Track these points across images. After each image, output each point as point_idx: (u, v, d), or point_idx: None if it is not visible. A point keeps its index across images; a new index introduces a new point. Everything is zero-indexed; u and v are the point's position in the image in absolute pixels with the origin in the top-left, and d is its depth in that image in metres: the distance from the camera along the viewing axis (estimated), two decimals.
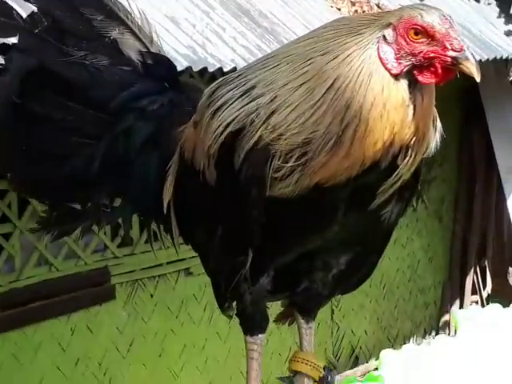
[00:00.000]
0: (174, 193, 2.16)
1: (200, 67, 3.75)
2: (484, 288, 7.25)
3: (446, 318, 7.16)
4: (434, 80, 1.92)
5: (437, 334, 7.12)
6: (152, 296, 4.78)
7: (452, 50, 1.90)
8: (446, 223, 7.09)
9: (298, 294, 2.25)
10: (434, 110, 1.99)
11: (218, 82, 2.04)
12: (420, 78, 1.92)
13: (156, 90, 2.25)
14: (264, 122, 1.92)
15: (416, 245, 6.80)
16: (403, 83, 1.91)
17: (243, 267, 2.04)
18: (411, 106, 1.90)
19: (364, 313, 6.33)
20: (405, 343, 6.72)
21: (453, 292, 7.15)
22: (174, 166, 2.15)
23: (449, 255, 7.17)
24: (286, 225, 2.02)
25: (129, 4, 2.29)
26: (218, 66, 3.82)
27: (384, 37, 1.93)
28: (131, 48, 2.26)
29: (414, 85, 1.92)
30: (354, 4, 5.03)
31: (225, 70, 3.84)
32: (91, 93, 2.21)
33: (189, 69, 3.70)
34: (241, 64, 3.92)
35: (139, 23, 2.29)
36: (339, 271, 2.22)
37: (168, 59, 2.33)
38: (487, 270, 7.23)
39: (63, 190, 2.28)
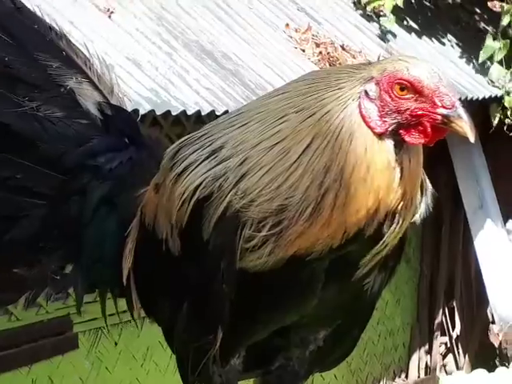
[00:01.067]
0: (134, 261, 1.94)
1: (163, 110, 3.69)
2: (453, 329, 7.21)
3: (414, 360, 7.11)
4: (422, 140, 1.73)
5: (406, 376, 7.06)
6: (116, 344, 4.67)
7: (442, 107, 1.70)
8: (412, 264, 7.06)
9: (272, 373, 2.04)
10: (422, 171, 1.81)
11: (181, 141, 1.86)
12: (407, 137, 1.73)
13: (115, 146, 2.04)
14: (233, 187, 1.73)
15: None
16: (388, 143, 1.72)
17: (212, 347, 1.82)
18: (397, 169, 1.72)
19: None
20: None
21: (422, 333, 7.11)
22: (134, 232, 1.93)
23: (416, 296, 7.12)
24: (259, 300, 1.82)
25: (88, 49, 2.14)
26: (182, 108, 3.76)
27: (366, 92, 1.73)
28: (89, 99, 2.06)
29: (400, 145, 1.73)
30: (318, 45, 5.02)
31: (188, 112, 3.78)
32: (43, 148, 1.99)
33: (152, 112, 3.64)
34: (205, 107, 3.86)
35: (99, 71, 2.10)
36: (318, 347, 2.01)
37: (129, 112, 2.14)
38: (455, 310, 7.19)
39: (7, 254, 2.02)
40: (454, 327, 7.20)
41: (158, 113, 3.67)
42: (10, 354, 4.13)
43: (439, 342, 7.16)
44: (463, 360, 7.18)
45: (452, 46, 6.34)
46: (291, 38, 4.97)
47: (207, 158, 1.77)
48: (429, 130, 1.73)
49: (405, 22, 5.99)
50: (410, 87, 1.72)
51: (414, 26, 6.11)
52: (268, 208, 1.72)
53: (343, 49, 5.15)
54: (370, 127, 1.72)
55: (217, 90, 4.07)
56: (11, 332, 4.14)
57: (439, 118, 1.71)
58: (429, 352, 7.14)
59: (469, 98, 5.71)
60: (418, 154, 1.76)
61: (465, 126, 1.69)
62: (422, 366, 7.11)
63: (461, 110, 1.70)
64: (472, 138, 1.69)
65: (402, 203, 1.73)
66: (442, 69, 5.54)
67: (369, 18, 5.77)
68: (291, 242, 1.72)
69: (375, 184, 1.70)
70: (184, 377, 1.93)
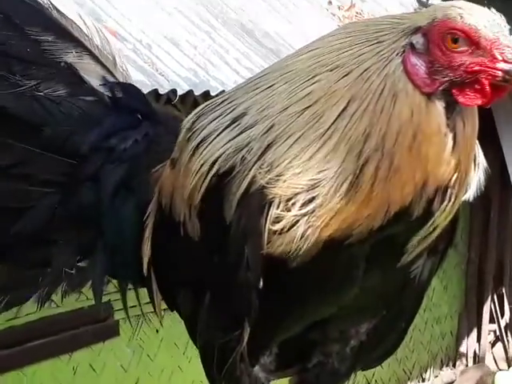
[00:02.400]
0: (153, 249, 1.74)
1: (202, 90, 3.58)
2: (502, 317, 7.04)
3: (463, 348, 6.96)
4: (479, 101, 1.52)
5: (454, 365, 6.92)
6: (158, 331, 4.59)
7: (504, 61, 1.49)
8: (460, 250, 6.90)
9: (309, 371, 1.83)
10: (476, 140, 1.60)
11: (200, 108, 1.65)
12: (461, 98, 1.52)
13: (127, 123, 1.84)
14: (258, 159, 1.52)
15: None
16: (438, 105, 1.51)
17: (239, 344, 1.63)
18: (449, 136, 1.51)
19: None
20: (421, 375, 6.53)
21: (470, 321, 6.95)
22: (152, 215, 1.74)
23: (464, 283, 6.96)
24: (290, 291, 1.61)
25: (85, 23, 1.91)
26: (221, 88, 3.64)
27: (412, 45, 1.52)
28: (93, 74, 1.85)
29: (452, 107, 1.52)
30: None
31: None
32: (47, 131, 1.79)
33: (191, 92, 3.53)
34: None
35: (99, 44, 1.89)
36: (360, 342, 1.81)
37: (136, 87, 1.92)
38: (505, 297, 7.02)
39: (18, 250, 1.84)
40: (503, 315, 7.03)
41: (197, 93, 3.56)
42: (51, 341, 4.07)
43: (488, 329, 6.99)
44: None
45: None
46: (334, 15, 4.84)
47: (228, 126, 1.56)
48: (487, 88, 1.51)
49: None
50: (465, 38, 1.50)
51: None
52: (298, 183, 1.51)
53: None
54: (417, 86, 1.51)
55: (257, 70, 3.94)
56: (51, 319, 4.08)
57: (499, 74, 1.50)
58: (477, 340, 6.98)
59: None
60: (473, 118, 1.56)
61: None
62: (471, 354, 6.95)
63: None
64: None
65: (454, 177, 1.53)
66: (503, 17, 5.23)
67: None
68: (326, 222, 1.50)
69: (423, 153, 1.50)
70: (209, 376, 1.75)
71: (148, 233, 1.72)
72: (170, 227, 1.65)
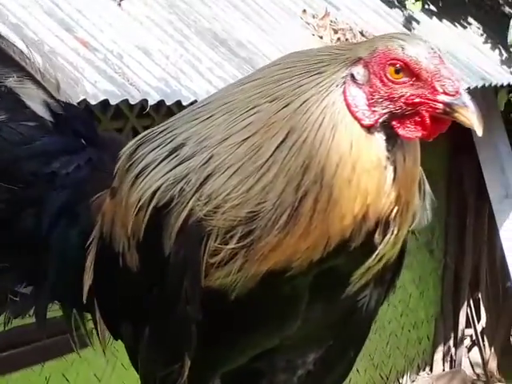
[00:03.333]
0: (95, 277, 1.71)
1: (174, 100, 3.57)
2: (478, 321, 7.06)
3: (439, 352, 6.98)
4: (419, 133, 1.49)
5: (431, 369, 6.93)
6: None
7: (444, 93, 1.47)
8: (436, 255, 6.92)
9: None
10: (421, 170, 1.59)
11: (139, 137, 1.62)
12: (401, 130, 1.49)
13: (70, 148, 1.81)
14: (196, 191, 1.49)
15: (407, 278, 6.61)
16: (378, 138, 1.49)
17: (180, 377, 1.59)
18: (390, 168, 1.49)
19: None
20: (398, 380, 6.54)
21: (446, 326, 6.98)
22: (95, 244, 1.70)
23: (441, 288, 6.98)
24: (231, 323, 1.58)
25: (27, 46, 1.88)
26: (193, 98, 3.64)
27: (352, 76, 1.49)
28: (34, 98, 1.82)
29: (393, 140, 1.50)
30: (336, 32, 4.87)
31: None
32: None
33: (162, 102, 3.53)
34: None
35: (41, 67, 1.86)
36: (308, 371, 1.77)
37: (82, 110, 1.94)
38: (481, 302, 7.05)
39: None
40: (479, 319, 7.06)
41: (168, 103, 3.55)
42: (23, 352, 4.04)
43: (464, 334, 7.02)
44: (489, 353, 7.03)
45: (474, 31, 6.16)
46: (308, 24, 4.83)
47: (167, 157, 1.54)
48: (427, 120, 1.49)
49: (425, 6, 5.83)
50: (406, 69, 1.47)
51: (435, 9, 5.94)
52: (236, 215, 1.48)
53: (362, 35, 5.00)
54: (356, 118, 1.48)
55: (230, 79, 3.94)
56: (23, 329, 4.04)
57: (440, 106, 1.48)
58: (454, 345, 7.00)
59: (493, 85, 5.54)
60: (414, 151, 1.53)
61: (471, 116, 1.47)
62: (447, 359, 6.97)
63: (466, 98, 1.47)
64: (480, 131, 1.49)
65: (395, 209, 1.50)
66: (464, 53, 5.28)
67: (390, 4, 5.61)
68: (264, 255, 1.47)
69: (362, 186, 1.47)
70: None
71: (90, 261, 1.69)
72: (109, 257, 1.63)
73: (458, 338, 6.98)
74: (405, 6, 5.56)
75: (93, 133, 1.86)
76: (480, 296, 7.04)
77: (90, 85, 3.43)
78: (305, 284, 1.56)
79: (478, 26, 6.17)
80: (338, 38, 4.82)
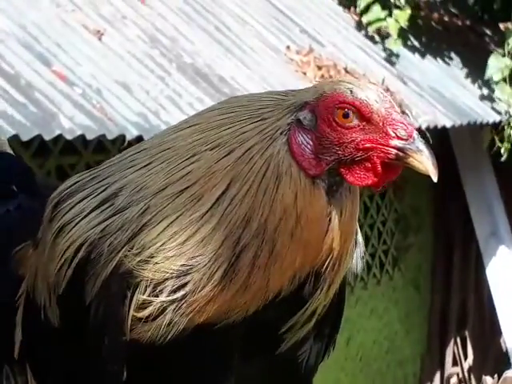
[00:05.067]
0: (25, 332, 1.58)
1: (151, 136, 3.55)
2: (465, 359, 7.00)
3: None
4: (369, 180, 1.41)
5: None
6: None
7: (397, 137, 1.39)
8: (423, 293, 6.87)
9: None
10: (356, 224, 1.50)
11: (66, 185, 1.52)
12: (350, 177, 1.41)
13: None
14: (128, 241, 1.40)
15: (393, 315, 6.57)
16: (321, 188, 1.41)
17: None
18: (328, 218, 1.41)
19: None
20: None
21: (433, 364, 6.91)
22: (23, 297, 1.58)
23: (427, 326, 6.93)
24: (159, 379, 1.49)
25: None
26: None
27: (299, 122, 1.41)
28: None
29: (333, 189, 1.42)
30: (320, 68, 4.87)
31: None
32: None
33: (140, 139, 3.50)
34: None
35: None
36: None
37: (16, 157, 1.81)
38: (468, 340, 6.99)
39: None
40: (466, 357, 6.99)
41: (146, 138, 3.53)
42: None
43: (451, 372, 6.95)
44: None
45: (458, 66, 6.17)
46: (292, 60, 4.83)
47: (97, 207, 1.43)
48: (378, 167, 1.41)
49: (409, 42, 5.84)
50: (356, 112, 1.40)
51: (418, 45, 5.95)
52: (169, 268, 1.38)
53: (346, 71, 5.00)
54: (302, 168, 1.40)
55: None
56: None
57: (392, 151, 1.40)
58: (441, 383, 6.94)
59: (478, 122, 5.54)
60: (353, 204, 1.45)
61: (425, 161, 1.39)
62: None
63: (420, 142, 1.39)
64: (435, 177, 1.40)
65: (328, 262, 1.43)
66: (449, 90, 5.26)
67: (373, 40, 5.63)
68: (196, 310, 1.39)
69: (304, 239, 1.39)
70: None
71: (19, 315, 1.58)
72: (33, 312, 1.53)
73: (445, 376, 6.91)
74: (384, 43, 5.57)
75: (25, 179, 1.76)
76: (467, 334, 6.99)
77: (67, 119, 3.41)
78: (236, 337, 1.48)
79: (461, 61, 6.18)
80: (322, 75, 4.82)
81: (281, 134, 1.41)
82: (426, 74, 5.71)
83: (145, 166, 1.43)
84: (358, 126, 1.40)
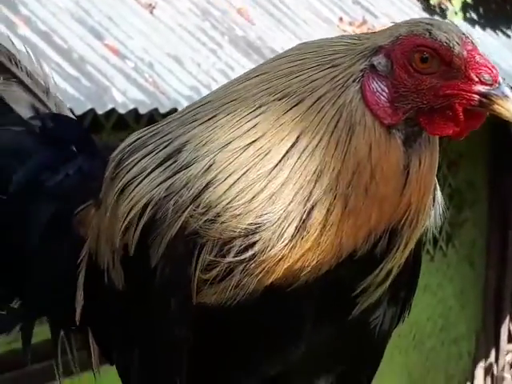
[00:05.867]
0: (86, 296, 1.54)
1: None
2: None
3: (479, 369, 6.82)
4: (451, 130, 1.31)
5: None
6: None
7: (480, 82, 1.28)
8: (478, 269, 6.77)
9: None
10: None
11: (128, 142, 1.45)
12: (429, 127, 1.31)
13: (59, 156, 1.65)
14: (193, 200, 1.32)
15: (447, 291, 6.49)
16: (398, 138, 1.32)
17: None
18: (406, 171, 1.32)
19: (393, 366, 6.01)
20: None
21: (488, 341, 6.82)
22: (85, 260, 1.54)
23: (482, 302, 6.83)
24: (227, 346, 1.42)
25: (13, 44, 1.74)
26: None
27: (372, 67, 1.31)
28: (21, 102, 1.68)
29: (410, 140, 1.32)
30: None
31: None
32: None
33: None
34: None
35: (29, 69, 1.71)
36: None
37: (71, 117, 1.74)
38: None
39: None
40: None
41: None
42: (22, 374, 3.88)
43: (506, 350, 6.85)
44: None
45: None
46: (345, 32, 4.74)
47: (161, 164, 1.36)
48: (460, 115, 1.30)
49: (467, 15, 5.71)
50: (435, 57, 1.29)
51: (476, 18, 5.82)
52: (236, 226, 1.31)
53: None
54: (377, 117, 1.31)
55: None
56: (7, 355, 3.89)
57: (476, 97, 1.28)
58: (495, 361, 6.84)
59: None
60: (431, 155, 1.35)
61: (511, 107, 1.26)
62: (489, 375, 6.82)
63: (505, 87, 1.27)
64: None
65: (405, 218, 1.34)
66: (507, 62, 5.15)
67: (431, 12, 5.51)
68: (266, 270, 1.32)
69: (380, 194, 1.31)
70: None
71: (81, 279, 1.53)
72: (96, 274, 1.48)
73: (500, 353, 6.82)
74: (445, 16, 5.45)
75: (85, 140, 1.70)
76: None
77: (120, 93, 3.39)
78: (308, 302, 1.41)
79: None
80: None
81: (353, 81, 1.32)
82: (486, 47, 5.58)
83: (209, 119, 1.35)
84: (438, 70, 1.30)
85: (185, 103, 3.49)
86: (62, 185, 1.62)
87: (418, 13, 5.51)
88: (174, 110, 3.49)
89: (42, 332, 1.91)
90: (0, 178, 1.63)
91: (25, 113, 1.68)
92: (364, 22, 4.87)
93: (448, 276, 6.50)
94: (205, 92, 3.65)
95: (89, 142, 1.71)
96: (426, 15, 5.44)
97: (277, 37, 4.38)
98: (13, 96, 1.69)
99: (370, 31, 4.75)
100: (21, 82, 1.69)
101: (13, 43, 1.72)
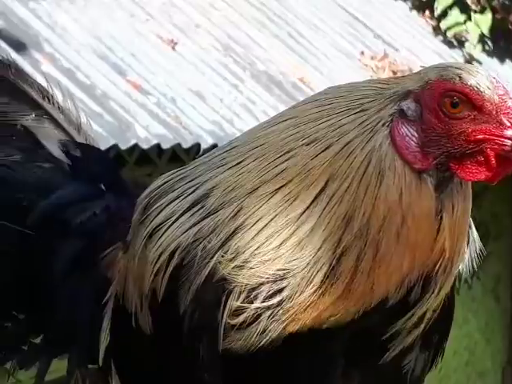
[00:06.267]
0: (111, 339, 1.53)
1: None
2: None
3: None
4: (483, 175, 1.29)
5: None
6: None
7: None
8: (503, 302, 6.71)
9: None
10: (470, 220, 1.39)
11: (155, 186, 1.45)
12: (461, 172, 1.29)
13: (87, 194, 1.66)
14: (222, 246, 1.31)
15: (472, 325, 6.43)
16: (429, 183, 1.30)
17: None
18: (439, 216, 1.30)
19: None
20: None
21: None
22: (111, 303, 1.53)
23: (508, 336, 6.76)
24: None
25: (46, 80, 1.76)
26: None
27: (402, 112, 1.30)
28: (51, 139, 1.69)
29: (442, 185, 1.31)
30: (395, 73, 4.79)
31: None
32: None
33: (214, 147, 3.48)
34: None
35: (62, 105, 1.72)
36: None
37: (104, 152, 1.79)
38: None
39: None
40: None
41: None
42: None
43: None
44: None
45: None
46: (366, 65, 4.76)
47: (189, 209, 1.36)
48: (492, 160, 1.28)
49: (486, 47, 5.71)
50: (466, 102, 1.28)
51: (495, 49, 5.82)
52: (265, 272, 1.29)
53: None
54: (407, 161, 1.30)
55: None
56: None
57: (508, 143, 1.27)
58: None
59: None
60: (464, 199, 1.34)
61: None
62: None
63: None
64: None
65: (439, 264, 1.32)
66: None
67: (449, 44, 5.52)
68: (294, 317, 1.29)
69: (412, 240, 1.28)
70: None
71: (106, 321, 1.52)
72: (123, 317, 1.46)
73: None
74: (464, 48, 5.45)
75: (114, 177, 1.70)
76: None
77: (142, 128, 3.41)
78: (338, 347, 1.38)
79: None
80: None
81: (382, 125, 1.30)
82: (506, 78, 5.57)
83: (236, 164, 1.35)
84: (469, 115, 1.28)
85: (207, 138, 3.51)
86: (89, 223, 1.61)
87: (437, 45, 5.53)
88: (197, 145, 3.52)
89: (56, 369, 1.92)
90: (27, 214, 1.63)
91: (55, 149, 1.69)
92: (385, 55, 4.88)
93: (473, 309, 6.44)
94: (227, 127, 3.67)
95: (117, 177, 1.71)
96: (445, 48, 5.46)
97: (298, 71, 4.40)
98: (44, 132, 1.70)
99: (391, 65, 4.76)
100: (52, 119, 1.70)
101: (47, 80, 1.75)
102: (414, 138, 1.30)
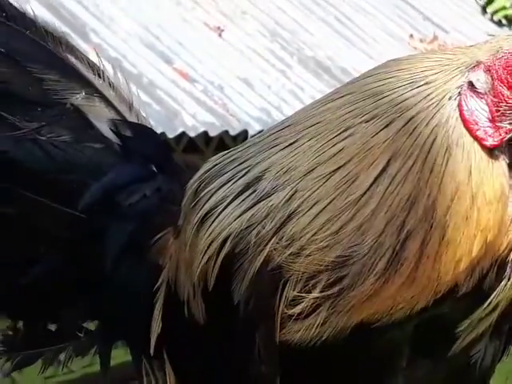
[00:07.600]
0: (164, 326, 1.48)
1: None
2: None
3: None
4: None
5: None
6: None
7: None
8: None
9: None
10: None
11: (205, 169, 1.39)
12: None
13: (138, 175, 1.60)
14: (276, 232, 1.23)
15: None
16: (502, 161, 1.21)
17: None
18: (510, 199, 1.21)
19: None
20: None
21: None
22: (163, 289, 1.47)
23: None
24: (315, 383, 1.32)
25: (98, 56, 1.68)
26: None
27: (470, 84, 1.21)
28: (102, 118, 1.63)
29: None
30: None
31: None
32: (48, 179, 1.57)
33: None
34: None
35: (113, 82, 1.66)
36: None
37: (155, 133, 1.70)
38: None
39: (23, 306, 1.63)
40: None
41: None
42: None
43: None
44: None
45: None
46: (416, 49, 4.69)
47: (240, 193, 1.28)
48: None
49: None
50: None
51: None
52: (322, 260, 1.21)
53: None
54: (476, 138, 1.20)
55: None
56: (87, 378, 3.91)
57: None
58: None
59: None
60: None
61: None
62: None
63: None
64: None
65: None
66: None
67: (499, 24, 5.42)
68: (356, 307, 1.21)
69: (482, 222, 1.19)
70: None
71: (158, 308, 1.47)
72: (175, 304, 1.41)
73: None
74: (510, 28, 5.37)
75: (166, 158, 1.62)
76: None
77: (190, 116, 3.40)
78: (403, 337, 1.30)
79: None
80: None
81: (449, 99, 1.21)
82: None
83: (290, 144, 1.25)
84: None
85: (255, 125, 3.49)
86: (138, 206, 1.56)
87: (490, 27, 5.43)
88: (244, 132, 3.50)
89: (118, 355, 1.91)
90: (78, 196, 1.58)
91: (105, 129, 1.63)
92: (435, 37, 4.81)
93: None
94: (275, 113, 3.65)
95: (169, 158, 1.64)
96: (494, 27, 5.36)
97: (346, 56, 4.35)
98: (95, 111, 1.63)
99: (441, 47, 4.69)
100: (103, 98, 1.63)
101: (99, 56, 1.66)
102: (484, 112, 1.21)
